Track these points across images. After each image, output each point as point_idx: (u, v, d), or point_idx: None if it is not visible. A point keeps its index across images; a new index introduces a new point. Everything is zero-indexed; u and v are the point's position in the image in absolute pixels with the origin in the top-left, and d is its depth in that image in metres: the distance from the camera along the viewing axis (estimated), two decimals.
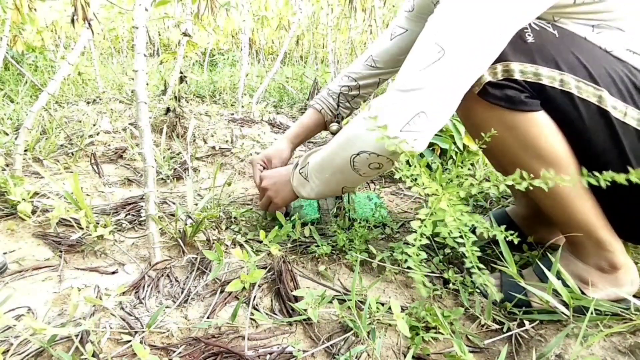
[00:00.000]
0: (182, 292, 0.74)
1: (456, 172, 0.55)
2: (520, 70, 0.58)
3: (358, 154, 0.66)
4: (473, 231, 0.93)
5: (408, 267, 0.48)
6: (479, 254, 0.49)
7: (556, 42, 0.58)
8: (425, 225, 0.49)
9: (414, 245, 0.47)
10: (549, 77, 0.57)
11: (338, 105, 1.05)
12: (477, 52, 0.56)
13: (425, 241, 0.48)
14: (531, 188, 0.47)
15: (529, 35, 0.59)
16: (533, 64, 0.58)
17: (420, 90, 0.58)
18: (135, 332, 0.63)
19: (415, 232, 0.48)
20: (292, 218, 0.94)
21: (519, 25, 0.57)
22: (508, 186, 0.59)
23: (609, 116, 0.56)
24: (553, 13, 0.61)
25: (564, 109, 0.58)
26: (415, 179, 0.54)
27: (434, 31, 0.59)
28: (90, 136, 1.61)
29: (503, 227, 0.52)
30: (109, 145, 1.61)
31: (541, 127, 0.60)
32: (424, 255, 0.49)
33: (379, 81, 1.04)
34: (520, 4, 0.55)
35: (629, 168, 0.44)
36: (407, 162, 0.56)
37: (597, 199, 0.63)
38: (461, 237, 0.47)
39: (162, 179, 1.33)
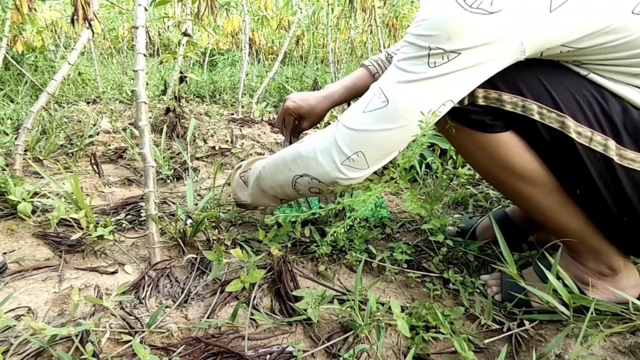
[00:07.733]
0: (182, 292, 0.74)
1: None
2: (484, 96, 0.58)
3: (301, 176, 0.69)
4: (474, 232, 0.93)
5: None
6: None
7: (522, 68, 0.57)
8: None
9: None
10: (511, 103, 0.58)
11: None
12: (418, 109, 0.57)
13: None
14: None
15: None
16: (496, 90, 0.58)
17: (361, 132, 0.61)
18: (135, 332, 0.63)
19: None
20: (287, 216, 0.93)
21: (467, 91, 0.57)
22: None
23: (573, 142, 0.56)
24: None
25: (529, 133, 0.59)
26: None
27: (385, 79, 0.60)
28: (90, 136, 1.61)
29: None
30: (109, 145, 1.61)
31: (509, 146, 0.61)
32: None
33: None
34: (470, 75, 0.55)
35: None
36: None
37: (594, 215, 0.62)
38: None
39: (162, 179, 1.33)
